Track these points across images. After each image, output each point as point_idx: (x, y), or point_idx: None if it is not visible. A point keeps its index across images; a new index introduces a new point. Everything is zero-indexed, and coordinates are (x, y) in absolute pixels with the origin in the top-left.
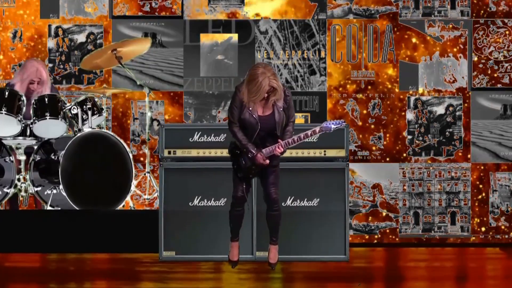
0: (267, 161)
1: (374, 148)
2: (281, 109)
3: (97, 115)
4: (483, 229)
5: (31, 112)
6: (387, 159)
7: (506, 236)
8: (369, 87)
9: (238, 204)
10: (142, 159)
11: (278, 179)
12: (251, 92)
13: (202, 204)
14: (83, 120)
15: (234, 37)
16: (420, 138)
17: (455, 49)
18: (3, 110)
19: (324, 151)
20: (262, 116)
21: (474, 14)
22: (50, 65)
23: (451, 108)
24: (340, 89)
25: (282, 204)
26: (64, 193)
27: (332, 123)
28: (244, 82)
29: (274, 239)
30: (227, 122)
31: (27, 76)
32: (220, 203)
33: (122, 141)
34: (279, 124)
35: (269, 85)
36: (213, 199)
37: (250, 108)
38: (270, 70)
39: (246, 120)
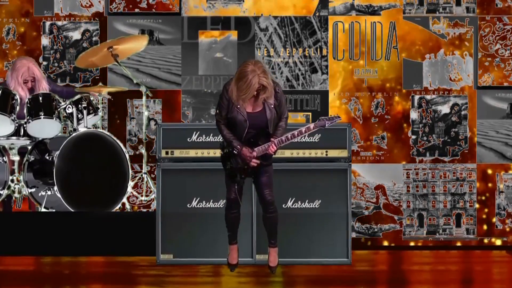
0: (254, 153)
1: (377, 148)
2: (272, 106)
3: (93, 114)
4: (489, 231)
5: (25, 111)
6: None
7: None
8: (372, 85)
9: (233, 206)
10: (139, 159)
11: (271, 180)
12: (240, 90)
13: (200, 206)
14: (78, 120)
15: (234, 34)
16: (425, 138)
17: (460, 47)
18: None
19: (326, 152)
20: (252, 113)
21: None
22: (45, 63)
23: (456, 107)
24: (342, 87)
25: (283, 206)
26: (58, 195)
27: (327, 119)
28: (232, 79)
29: (273, 242)
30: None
31: (20, 76)
32: (219, 204)
33: (118, 141)
34: (271, 121)
35: (259, 83)
36: (211, 200)
37: (238, 106)
38: (260, 67)
39: (234, 118)
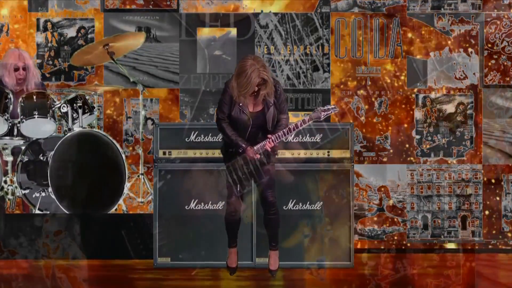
0: (258, 155)
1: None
2: (271, 105)
3: (88, 113)
4: (495, 234)
5: (19, 110)
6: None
7: None
8: (375, 84)
9: (233, 209)
10: (135, 160)
11: (273, 181)
12: (240, 86)
13: (198, 208)
14: (74, 119)
15: (233, 31)
16: (429, 138)
17: (465, 44)
18: None
19: (328, 152)
20: (253, 113)
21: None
22: (39, 61)
23: (461, 107)
24: (345, 86)
25: (283, 207)
26: (53, 196)
27: (322, 110)
28: (233, 76)
29: (273, 245)
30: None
31: (10, 63)
32: (218, 206)
33: (114, 141)
34: (270, 120)
35: (259, 77)
36: (210, 202)
37: (241, 104)
38: (260, 61)
39: (237, 117)
